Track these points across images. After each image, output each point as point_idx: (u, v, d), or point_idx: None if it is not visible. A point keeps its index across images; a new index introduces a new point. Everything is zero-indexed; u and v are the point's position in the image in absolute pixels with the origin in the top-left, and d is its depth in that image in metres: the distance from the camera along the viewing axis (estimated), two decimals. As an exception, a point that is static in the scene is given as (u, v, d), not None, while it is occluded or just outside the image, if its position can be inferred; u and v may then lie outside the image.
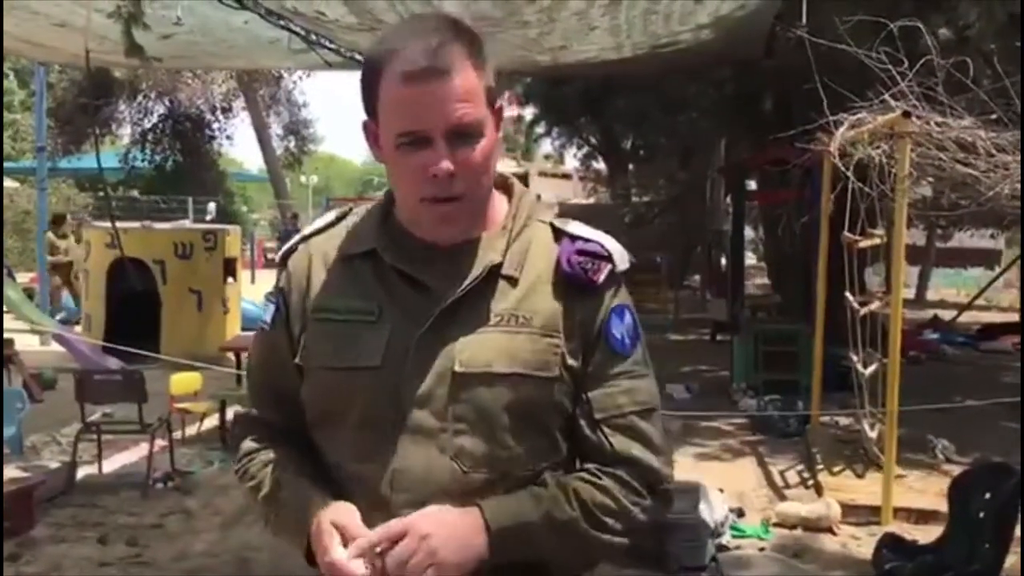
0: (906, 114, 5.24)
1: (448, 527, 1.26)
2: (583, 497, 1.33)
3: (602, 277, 1.38)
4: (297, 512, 1.36)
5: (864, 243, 6.19)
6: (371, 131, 1.38)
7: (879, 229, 6.42)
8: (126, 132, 23.14)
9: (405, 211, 1.40)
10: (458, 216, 1.34)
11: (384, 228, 1.41)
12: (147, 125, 21.91)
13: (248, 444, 1.47)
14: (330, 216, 1.49)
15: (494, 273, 1.36)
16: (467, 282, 1.34)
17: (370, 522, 1.29)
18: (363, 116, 1.42)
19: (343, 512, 1.31)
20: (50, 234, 14.04)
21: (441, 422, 1.31)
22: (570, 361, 1.36)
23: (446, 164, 1.29)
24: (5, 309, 10.14)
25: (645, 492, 1.37)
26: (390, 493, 1.31)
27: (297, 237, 1.48)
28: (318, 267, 1.42)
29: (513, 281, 1.37)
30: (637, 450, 1.37)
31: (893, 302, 5.69)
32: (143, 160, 21.80)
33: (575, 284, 1.37)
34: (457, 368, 1.31)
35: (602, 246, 1.40)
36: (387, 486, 1.31)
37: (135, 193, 22.39)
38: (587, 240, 1.40)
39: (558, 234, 1.42)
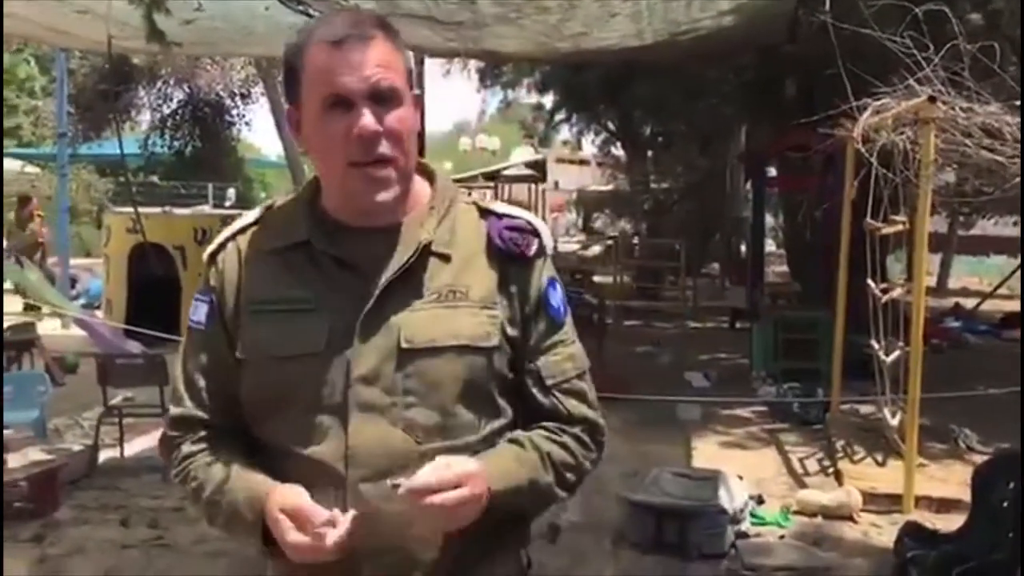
0: (932, 99, 5.18)
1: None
2: (555, 460, 1.44)
3: (533, 250, 1.47)
4: (249, 502, 1.38)
5: (887, 230, 6.14)
6: (292, 118, 1.44)
7: (901, 216, 6.35)
8: (145, 118, 23.26)
9: (332, 190, 1.44)
10: (388, 180, 1.39)
11: (312, 217, 1.45)
12: (166, 111, 22.00)
13: (187, 448, 1.48)
14: (251, 215, 1.52)
15: (426, 251, 1.41)
16: (403, 260, 1.40)
17: (326, 500, 1.34)
18: None
19: (291, 495, 1.35)
20: (11, 216, 14.02)
21: (391, 397, 1.37)
22: (509, 330, 1.44)
23: (371, 123, 1.35)
24: (26, 293, 10.22)
25: (594, 447, 1.51)
26: (345, 470, 1.35)
27: (223, 235, 1.51)
28: (249, 262, 1.46)
29: (446, 258, 1.43)
30: (587, 410, 1.50)
31: (916, 289, 5.65)
32: (163, 146, 21.89)
33: (507, 257, 1.45)
34: (403, 344, 1.37)
35: (528, 222, 1.49)
36: (342, 464, 1.36)
37: (155, 179, 22.47)
38: (513, 217, 1.49)
39: (483, 212, 1.49)
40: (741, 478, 5.41)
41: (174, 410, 1.51)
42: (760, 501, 5.31)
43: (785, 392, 7.97)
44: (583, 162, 25.86)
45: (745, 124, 14.70)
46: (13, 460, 4.93)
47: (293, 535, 1.32)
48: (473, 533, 1.36)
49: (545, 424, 1.47)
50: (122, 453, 6.18)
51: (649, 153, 20.07)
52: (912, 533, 4.32)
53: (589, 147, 23.68)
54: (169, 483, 5.58)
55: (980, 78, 5.51)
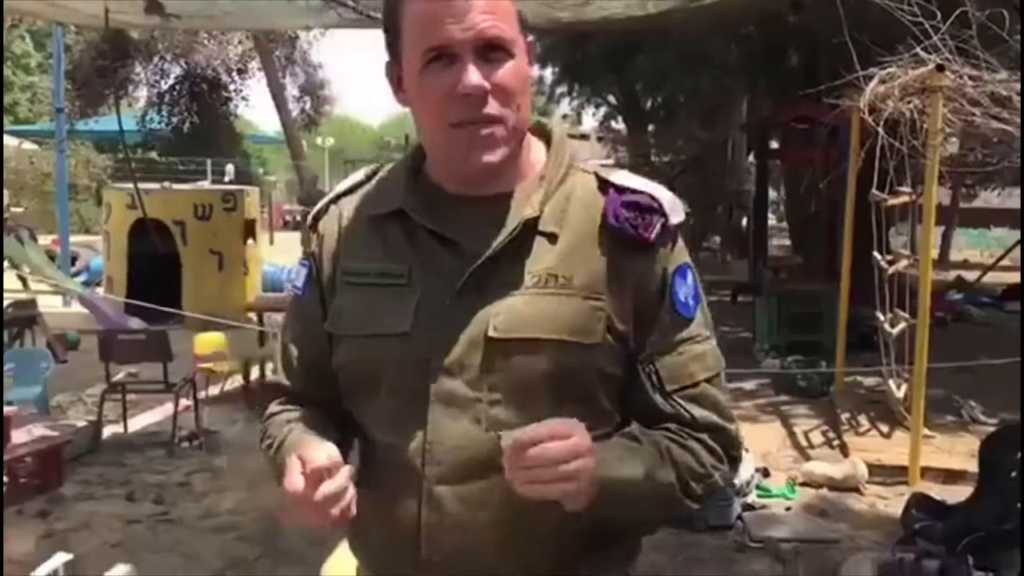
0: (939, 68, 5.12)
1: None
2: (676, 459, 1.25)
3: (654, 233, 1.26)
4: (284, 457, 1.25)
5: (893, 201, 6.10)
6: (394, 73, 1.29)
7: (906, 187, 6.31)
8: (142, 94, 23.12)
9: (435, 153, 1.29)
10: (496, 141, 1.22)
11: (413, 185, 1.31)
12: (164, 87, 21.88)
13: (272, 407, 1.41)
14: (359, 175, 1.40)
15: (531, 229, 1.25)
16: (500, 239, 1.23)
17: (401, 496, 1.24)
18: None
19: (314, 448, 1.20)
20: None
21: (475, 392, 1.22)
22: (618, 325, 1.25)
23: (476, 78, 1.19)
24: (28, 271, 10.19)
25: (725, 458, 1.30)
26: (423, 466, 1.23)
27: (326, 198, 1.40)
28: (349, 229, 1.34)
29: (552, 238, 1.25)
30: (717, 418, 1.29)
31: (922, 260, 5.61)
32: (160, 122, 21.79)
33: (625, 240, 1.25)
34: (491, 334, 1.21)
35: (652, 197, 1.27)
36: (419, 458, 1.23)
37: (153, 155, 22.40)
38: (635, 191, 1.27)
39: (603, 184, 1.29)
40: (747, 451, 5.40)
41: (271, 377, 1.45)
42: (766, 474, 5.31)
43: (789, 365, 7.96)
44: (583, 136, 25.73)
45: (747, 96, 14.61)
46: (17, 436, 4.91)
47: (291, 477, 1.16)
48: (572, 540, 1.22)
49: (667, 426, 1.27)
50: (126, 429, 6.17)
51: (650, 127, 19.98)
52: (920, 504, 4.31)
53: (589, 121, 23.59)
54: (174, 458, 5.60)
55: (988, 46, 5.45)
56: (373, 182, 1.37)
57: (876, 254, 6.23)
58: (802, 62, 10.14)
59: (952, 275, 14.89)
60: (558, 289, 1.23)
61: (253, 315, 8.22)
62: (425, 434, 1.23)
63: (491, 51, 1.20)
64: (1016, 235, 18.06)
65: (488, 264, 1.23)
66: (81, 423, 5.96)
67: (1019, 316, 12.05)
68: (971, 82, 5.24)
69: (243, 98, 23.49)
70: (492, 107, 1.21)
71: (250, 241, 11.09)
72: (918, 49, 5.37)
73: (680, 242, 1.31)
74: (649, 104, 18.72)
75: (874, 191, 6.11)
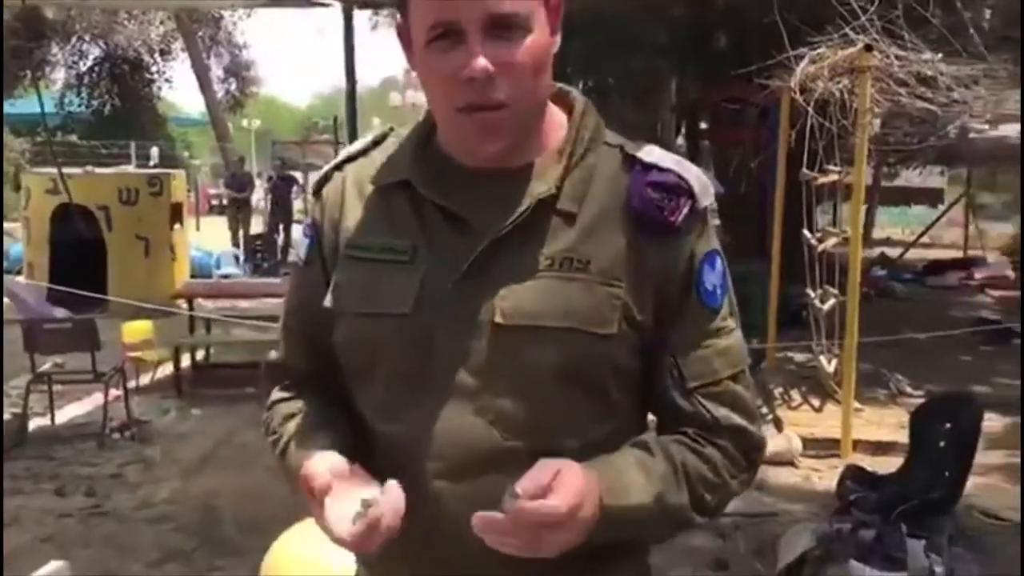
0: (868, 48, 5.22)
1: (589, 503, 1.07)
2: (690, 474, 1.16)
3: (681, 217, 1.16)
4: (296, 469, 1.17)
5: (822, 180, 6.21)
6: (403, 33, 1.18)
7: (835, 166, 6.44)
8: (60, 76, 22.42)
9: (443, 128, 1.20)
10: (501, 127, 1.13)
11: (422, 154, 1.21)
12: (82, 68, 21.25)
13: (274, 394, 1.32)
14: (367, 139, 1.30)
15: (547, 207, 1.15)
16: (511, 217, 1.14)
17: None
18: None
19: (328, 464, 1.12)
20: None
21: (479, 381, 1.13)
22: (636, 315, 1.15)
23: (482, 63, 1.08)
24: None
25: (745, 464, 1.21)
26: (422, 459, 1.14)
27: (331, 164, 1.30)
28: (352, 197, 1.24)
29: (570, 217, 1.16)
30: (739, 419, 1.20)
31: (852, 238, 5.74)
32: (80, 104, 21.15)
33: (649, 224, 1.16)
34: (498, 319, 1.12)
35: (680, 176, 1.17)
36: (416, 451, 1.15)
37: (74, 138, 21.73)
38: (662, 169, 1.17)
39: (628, 160, 1.19)
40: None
41: (272, 356, 1.36)
42: (703, 449, 5.38)
43: (721, 343, 8.06)
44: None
45: (677, 78, 14.72)
46: (-63, 431, 4.73)
47: (337, 528, 1.08)
48: (575, 557, 1.09)
49: (685, 430, 1.19)
50: (53, 421, 5.99)
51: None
52: (854, 476, 4.41)
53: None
54: (105, 449, 5.46)
55: (913, 27, 5.58)
56: (380, 148, 1.27)
57: (806, 232, 6.36)
58: (732, 43, 10.25)
59: (876, 252, 15.28)
60: (573, 273, 1.14)
61: (182, 302, 8.03)
62: (425, 425, 1.14)
63: (503, 28, 1.10)
64: (934, 213, 18.63)
65: (498, 244, 1.14)
66: (6, 416, 5.77)
67: (940, 291, 12.47)
68: (897, 62, 5.36)
69: (166, 80, 23.02)
70: (500, 91, 1.10)
71: (177, 226, 10.84)
72: (847, 29, 5.47)
73: (710, 227, 1.23)
74: (580, 86, 18.75)
75: (804, 170, 6.22)
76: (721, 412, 1.19)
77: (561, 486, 1.03)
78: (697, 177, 1.19)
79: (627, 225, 1.16)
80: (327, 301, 1.22)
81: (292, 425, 1.25)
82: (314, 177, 1.33)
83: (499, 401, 1.13)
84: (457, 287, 1.14)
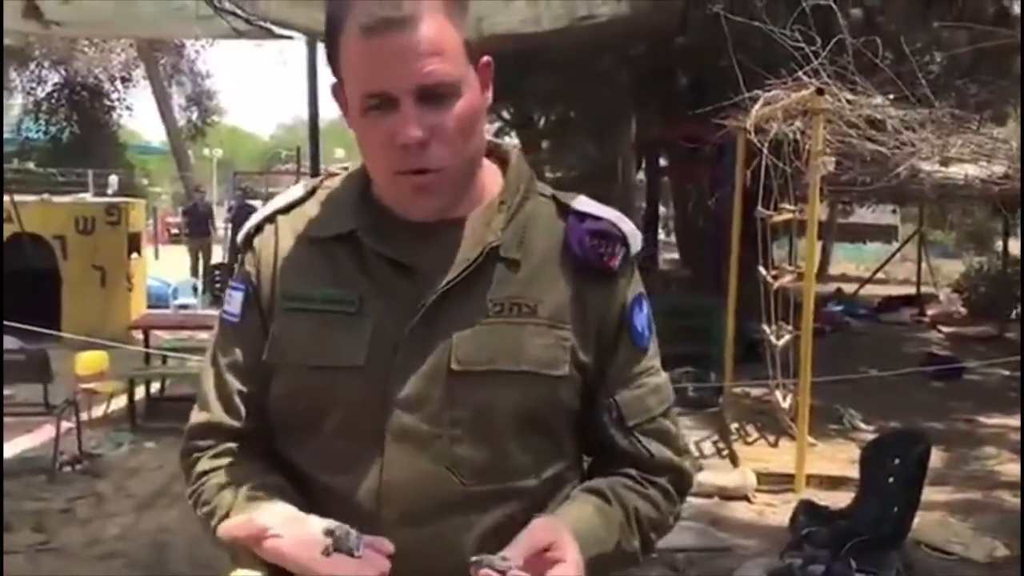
0: (819, 91, 5.36)
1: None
2: (642, 520, 1.22)
3: (618, 261, 1.22)
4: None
5: (777, 218, 6.33)
6: (339, 95, 1.21)
7: (790, 205, 6.57)
8: (17, 102, 22.18)
9: (381, 186, 1.21)
10: (435, 189, 1.16)
11: (363, 206, 1.22)
12: (41, 94, 21.04)
13: (204, 464, 1.23)
14: (298, 191, 1.29)
15: (492, 255, 1.18)
16: (463, 266, 1.16)
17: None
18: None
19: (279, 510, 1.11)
20: None
21: (435, 428, 1.14)
22: (581, 356, 1.20)
23: (414, 131, 1.11)
24: None
25: (679, 500, 1.28)
26: (377, 508, 1.14)
27: (261, 215, 1.28)
28: (286, 249, 1.23)
29: (514, 264, 1.19)
30: (673, 455, 1.26)
31: (806, 275, 5.85)
32: (37, 131, 20.93)
33: (589, 269, 1.21)
34: (454, 366, 1.14)
35: (614, 225, 1.23)
36: (373, 501, 1.14)
37: (31, 165, 21.47)
38: (597, 218, 1.23)
39: (562, 209, 1.24)
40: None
41: (197, 416, 1.25)
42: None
43: (679, 377, 8.14)
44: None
45: (636, 115, 14.94)
46: None
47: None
48: None
49: (628, 472, 1.24)
50: (1, 454, 5.87)
51: (544, 143, 20.20)
52: (807, 511, 4.48)
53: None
54: (55, 483, 5.36)
55: (863, 72, 5.74)
56: (314, 200, 1.27)
57: (761, 269, 6.46)
58: (690, 83, 10.44)
59: (832, 287, 15.54)
60: (523, 318, 1.17)
61: (138, 333, 7.94)
62: (380, 474, 1.14)
63: (434, 96, 1.13)
64: (889, 249, 18.99)
65: (448, 292, 1.16)
66: (-48, 449, 5.65)
67: (895, 326, 12.68)
68: (848, 105, 5.51)
69: (127, 107, 22.90)
70: (433, 156, 1.13)
71: (135, 255, 10.75)
72: (800, 73, 5.62)
73: (637, 273, 1.27)
74: (542, 121, 18.92)
75: (759, 208, 6.34)
76: (656, 448, 1.24)
77: (565, 552, 1.08)
78: (628, 225, 1.24)
79: (567, 270, 1.21)
80: (265, 355, 1.21)
81: (228, 495, 1.18)
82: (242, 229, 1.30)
83: (457, 447, 1.15)
84: (410, 336, 1.15)
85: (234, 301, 1.26)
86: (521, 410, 1.16)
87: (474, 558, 1.05)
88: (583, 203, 1.25)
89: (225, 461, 1.22)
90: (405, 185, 1.16)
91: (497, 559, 1.04)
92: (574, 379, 1.20)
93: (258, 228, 1.27)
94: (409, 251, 1.18)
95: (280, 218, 1.27)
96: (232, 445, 1.23)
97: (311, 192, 1.28)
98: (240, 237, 1.29)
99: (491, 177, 1.25)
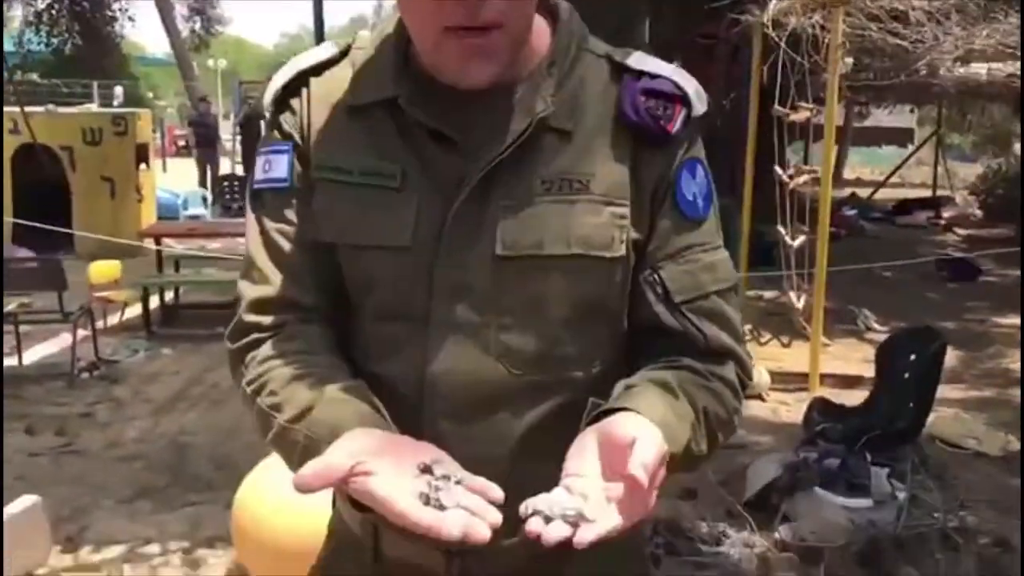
0: (840, -19, 5.18)
1: None
2: (710, 417, 1.04)
3: (677, 125, 1.08)
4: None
5: (794, 117, 6.19)
6: None
7: (807, 103, 6.42)
8: (16, 13, 21.79)
9: (424, 49, 1.06)
10: (491, 49, 1.01)
11: (403, 69, 1.08)
12: (40, 5, 20.64)
13: (267, 348, 1.07)
14: (327, 50, 1.14)
15: (542, 126, 1.05)
16: (511, 139, 1.04)
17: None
18: None
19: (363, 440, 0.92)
20: None
21: (483, 316, 1.05)
22: (635, 234, 1.08)
23: None
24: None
25: (742, 395, 1.11)
26: (422, 400, 1.06)
27: (289, 73, 1.13)
28: (320, 114, 1.10)
29: (565, 135, 1.06)
30: (730, 341, 1.10)
31: (823, 173, 5.76)
32: (39, 43, 20.61)
33: (643, 135, 1.08)
34: (500, 251, 1.04)
35: (674, 84, 1.09)
36: (417, 392, 1.06)
37: (34, 76, 21.21)
38: (654, 76, 1.09)
39: (616, 69, 1.10)
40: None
41: (253, 291, 1.10)
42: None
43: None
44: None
45: (650, 14, 14.59)
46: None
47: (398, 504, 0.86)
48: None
49: (690, 364, 1.07)
50: (20, 361, 5.93)
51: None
52: (821, 408, 4.49)
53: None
54: (75, 389, 5.42)
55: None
56: (346, 62, 1.13)
57: (777, 168, 6.35)
58: (705, -22, 10.14)
59: (846, 192, 15.38)
60: (575, 195, 1.05)
61: (149, 242, 7.93)
62: (426, 364, 1.05)
63: None
64: (903, 153, 18.73)
65: (494, 169, 1.04)
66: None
67: (909, 229, 12.58)
68: (870, -4, 5.33)
69: (129, 18, 22.42)
70: (490, 10, 0.98)
71: (143, 166, 10.66)
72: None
73: (699, 138, 1.13)
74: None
75: (776, 107, 6.20)
76: (711, 330, 1.09)
77: (649, 450, 0.87)
78: (692, 84, 1.11)
79: (622, 138, 1.08)
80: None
81: (304, 390, 1.02)
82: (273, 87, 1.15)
83: (505, 336, 1.05)
84: (455, 217, 1.04)
85: (279, 165, 1.12)
86: (573, 296, 1.06)
87: (525, 504, 0.87)
88: (639, 60, 1.11)
89: (296, 345, 1.07)
90: (455, 46, 1.00)
91: (555, 502, 0.86)
92: (631, 260, 1.08)
93: (291, 86, 1.13)
94: (454, 122, 1.05)
95: (312, 80, 1.13)
96: (302, 326, 1.10)
97: (344, 53, 1.14)
98: (270, 96, 1.15)
99: (540, 36, 1.10)
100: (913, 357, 4.36)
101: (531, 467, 0.97)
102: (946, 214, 13.40)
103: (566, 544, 0.84)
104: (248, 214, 1.15)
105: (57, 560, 3.40)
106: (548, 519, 0.85)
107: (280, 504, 2.85)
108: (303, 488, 0.86)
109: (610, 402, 0.97)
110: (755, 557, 3.33)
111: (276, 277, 1.10)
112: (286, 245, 1.10)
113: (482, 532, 0.84)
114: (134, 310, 6.91)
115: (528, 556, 0.99)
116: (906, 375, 4.35)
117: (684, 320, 1.08)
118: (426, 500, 0.86)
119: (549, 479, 0.90)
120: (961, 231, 12.30)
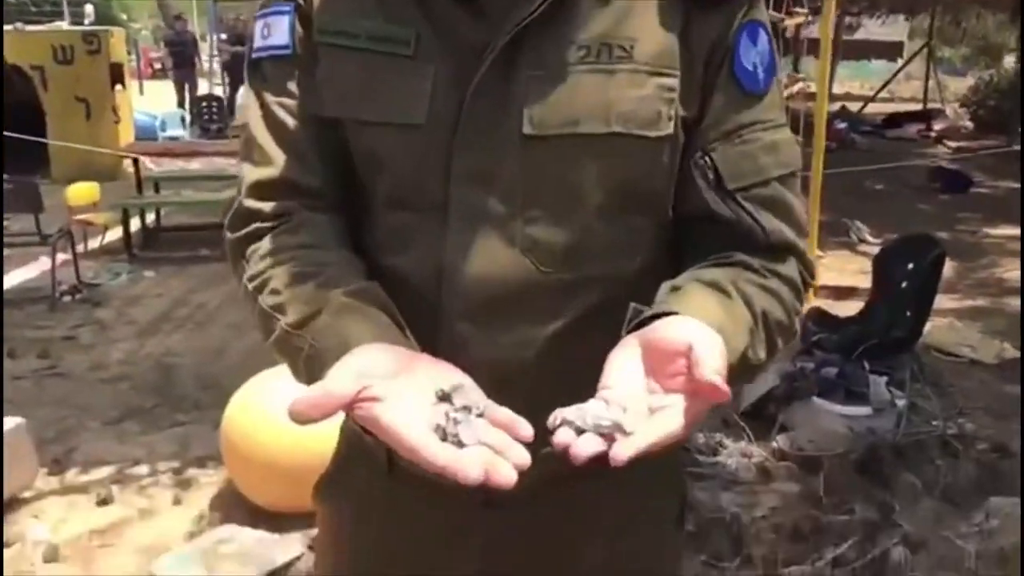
0: None
1: None
2: (770, 322, 0.90)
3: None
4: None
5: (790, 22, 6.03)
6: None
7: (801, 8, 6.26)
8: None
9: None
10: None
11: None
12: (5, -79, 19.91)
13: (270, 242, 0.95)
14: None
15: None
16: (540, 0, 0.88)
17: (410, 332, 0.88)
18: None
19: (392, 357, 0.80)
20: None
21: (508, 205, 0.91)
22: (683, 111, 0.92)
23: None
24: None
25: (803, 295, 0.97)
26: (439, 299, 0.93)
27: None
28: None
29: None
30: (791, 233, 0.95)
31: (819, 78, 5.62)
32: (5, -40, 19.93)
33: None
34: (527, 130, 0.89)
35: None
36: (434, 290, 0.93)
37: (1, -4, 20.56)
38: None
39: None
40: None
41: (255, 173, 0.97)
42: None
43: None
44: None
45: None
46: None
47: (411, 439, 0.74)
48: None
49: (746, 260, 0.92)
50: (1, 284, 5.81)
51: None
52: (817, 318, 4.43)
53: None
54: (56, 312, 5.32)
55: None
56: None
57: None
58: None
59: (836, 106, 15.20)
60: (615, 63, 0.90)
61: (128, 163, 7.75)
62: (444, 257, 0.92)
63: None
64: (893, 67, 18.50)
65: (521, 34, 0.89)
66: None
67: (899, 143, 12.48)
68: None
69: (97, -67, 21.65)
70: None
71: (118, 87, 10.37)
72: None
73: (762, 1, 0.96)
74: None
75: (771, 12, 6.02)
76: (770, 223, 0.94)
77: (708, 357, 0.75)
78: None
79: (670, 1, 0.92)
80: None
81: (310, 291, 0.89)
82: None
83: (533, 227, 0.92)
84: (476, 91, 0.90)
85: (279, 29, 0.97)
86: (612, 182, 0.92)
87: (554, 415, 0.75)
88: None
89: (302, 237, 0.95)
90: None
91: (589, 412, 0.74)
92: (679, 140, 0.93)
93: None
94: None
95: None
96: (309, 215, 0.97)
97: None
98: None
99: None
100: (911, 266, 4.30)
101: (561, 377, 0.85)
102: (937, 126, 13.29)
103: (600, 460, 0.72)
104: (246, 88, 1.01)
105: (44, 483, 3.33)
106: (580, 431, 0.73)
107: (270, 421, 2.80)
108: (299, 419, 0.74)
109: (655, 306, 0.83)
110: (753, 467, 3.30)
111: (279, 157, 0.96)
112: (290, 121, 0.97)
113: (506, 475, 0.71)
114: (114, 233, 6.76)
115: (554, 476, 0.84)
116: (904, 284, 4.29)
117: (739, 210, 0.93)
118: (443, 435, 0.74)
119: (581, 391, 0.77)
120: (952, 143, 12.20)
